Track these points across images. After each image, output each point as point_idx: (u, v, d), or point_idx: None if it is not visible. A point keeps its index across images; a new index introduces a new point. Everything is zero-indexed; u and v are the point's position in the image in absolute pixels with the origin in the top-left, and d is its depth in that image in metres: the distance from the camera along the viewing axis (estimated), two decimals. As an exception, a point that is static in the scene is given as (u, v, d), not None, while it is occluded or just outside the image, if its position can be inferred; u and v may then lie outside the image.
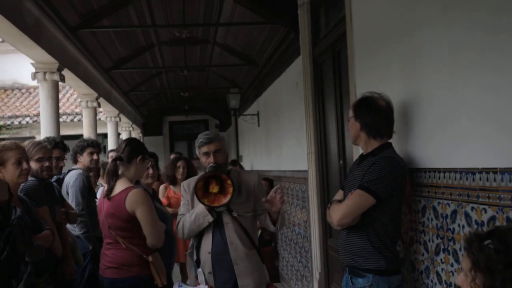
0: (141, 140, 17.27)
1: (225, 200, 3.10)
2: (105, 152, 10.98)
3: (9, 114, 14.78)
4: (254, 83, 10.71)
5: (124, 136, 14.49)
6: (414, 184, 2.86)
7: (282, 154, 7.97)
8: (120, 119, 12.42)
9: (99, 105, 9.71)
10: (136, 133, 16.39)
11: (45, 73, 6.57)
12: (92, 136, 8.63)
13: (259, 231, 7.46)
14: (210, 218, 3.19)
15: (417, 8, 2.78)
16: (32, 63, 6.61)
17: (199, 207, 3.21)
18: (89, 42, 7.77)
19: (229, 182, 3.07)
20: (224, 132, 18.06)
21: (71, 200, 4.35)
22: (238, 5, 6.97)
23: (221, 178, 3.11)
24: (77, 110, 13.61)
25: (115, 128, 12.14)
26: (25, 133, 14.12)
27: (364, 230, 2.66)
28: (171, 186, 6.00)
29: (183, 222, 3.28)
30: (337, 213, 2.71)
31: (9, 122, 14.39)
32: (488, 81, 2.10)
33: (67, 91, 14.01)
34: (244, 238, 3.24)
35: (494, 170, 2.05)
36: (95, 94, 9.23)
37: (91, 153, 4.72)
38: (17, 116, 14.44)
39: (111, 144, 11.68)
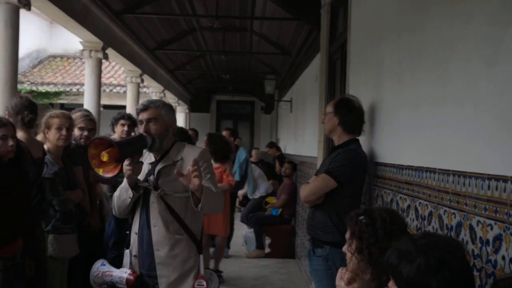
0: (188, 116, 18.22)
1: (115, 171, 2.57)
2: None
3: (69, 81, 16.01)
4: (290, 71, 11.29)
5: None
6: (373, 175, 3.37)
7: (304, 140, 8.57)
8: (164, 95, 13.34)
9: (142, 81, 10.61)
10: (183, 109, 17.31)
11: (90, 51, 7.47)
12: (134, 109, 9.58)
13: (279, 210, 8.08)
14: (130, 194, 2.73)
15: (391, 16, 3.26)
16: (80, 41, 7.52)
17: (124, 181, 2.77)
18: (133, 25, 8.63)
19: (117, 150, 2.52)
20: (268, 114, 18.69)
21: None
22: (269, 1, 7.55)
23: (108, 145, 2.58)
24: (122, 82, 14.63)
25: (160, 102, 13.09)
26: (81, 100, 15.30)
27: (326, 208, 3.17)
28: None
29: (113, 197, 2.89)
30: (305, 191, 3.26)
31: (68, 89, 15.61)
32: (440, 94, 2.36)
33: (116, 64, 14.98)
34: (170, 221, 2.76)
35: (432, 170, 2.39)
36: (139, 71, 10.12)
37: (123, 125, 5.15)
38: (75, 84, 15.64)
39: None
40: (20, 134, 3.34)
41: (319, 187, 3.18)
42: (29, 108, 3.66)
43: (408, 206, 2.69)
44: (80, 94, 15.46)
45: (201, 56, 12.72)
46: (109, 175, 2.58)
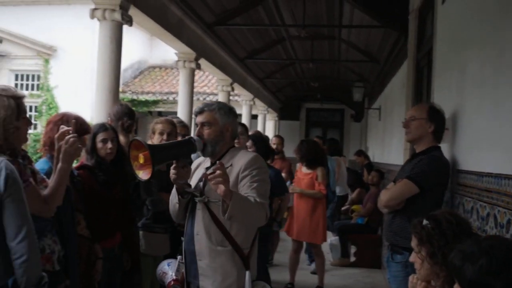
0: (277, 123, 18.52)
1: (149, 174, 2.40)
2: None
3: (166, 90, 16.93)
4: (378, 79, 11.18)
5: (260, 118, 15.84)
6: (455, 183, 3.35)
7: (391, 148, 8.48)
8: (254, 103, 13.72)
9: (232, 89, 11.02)
10: (272, 117, 17.65)
11: (184, 61, 7.94)
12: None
13: (365, 219, 8.04)
14: (177, 199, 2.65)
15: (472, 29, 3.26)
16: (175, 53, 8.03)
17: (174, 189, 2.67)
18: (225, 36, 9.04)
19: (148, 154, 2.35)
20: (358, 122, 18.52)
21: None
22: (356, 9, 7.60)
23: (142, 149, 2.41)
24: (215, 91, 15.22)
25: (249, 110, 13.50)
26: (177, 108, 16.14)
27: (407, 214, 3.14)
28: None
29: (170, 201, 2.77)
30: (385, 196, 3.28)
31: (165, 98, 16.52)
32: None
33: (209, 73, 15.62)
34: (213, 231, 2.57)
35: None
36: (230, 80, 10.55)
37: None
38: (172, 93, 16.50)
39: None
40: (120, 138, 3.60)
41: (400, 192, 3.19)
42: (128, 114, 4.02)
43: (488, 214, 2.67)
44: (176, 102, 16.25)
45: (290, 64, 12.95)
46: (145, 178, 2.40)
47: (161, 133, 3.91)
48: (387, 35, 7.96)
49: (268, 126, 16.77)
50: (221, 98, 10.74)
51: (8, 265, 2.05)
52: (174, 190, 2.67)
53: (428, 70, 5.44)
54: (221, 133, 2.64)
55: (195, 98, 9.50)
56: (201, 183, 2.66)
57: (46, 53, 15.35)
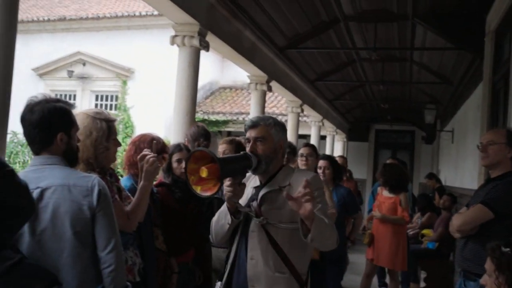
0: (345, 145, 18.40)
1: (214, 190, 2.21)
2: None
3: (236, 110, 17.31)
4: (451, 101, 10.93)
5: (328, 139, 15.84)
6: None
7: (464, 172, 8.26)
8: (323, 124, 13.76)
9: (302, 111, 11.14)
10: (341, 138, 17.57)
11: (256, 84, 8.17)
12: (294, 137, 10.15)
13: (436, 244, 7.84)
14: (229, 219, 2.40)
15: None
16: (248, 75, 8.28)
17: (224, 205, 2.46)
18: (296, 59, 9.22)
19: (218, 165, 2.16)
20: (429, 144, 18.05)
21: None
22: (429, 31, 7.55)
23: (210, 160, 2.21)
24: (284, 112, 15.39)
25: (318, 131, 13.55)
26: (246, 128, 16.46)
27: (480, 239, 3.08)
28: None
29: (212, 222, 2.55)
30: (458, 221, 3.24)
31: (235, 118, 16.89)
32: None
33: (278, 94, 15.84)
34: (271, 255, 2.35)
35: None
36: (300, 101, 10.69)
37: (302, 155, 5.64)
38: (241, 113, 16.86)
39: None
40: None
41: (474, 217, 3.14)
42: (204, 135, 4.22)
43: None
44: (245, 122, 16.65)
45: (360, 86, 12.92)
46: (207, 194, 2.22)
47: (223, 153, 4.04)
48: (461, 56, 7.83)
49: (336, 147, 16.71)
50: (290, 119, 10.88)
51: (98, 274, 2.24)
52: (223, 209, 2.45)
53: (504, 93, 5.32)
54: (275, 150, 2.45)
55: (265, 119, 9.69)
56: (254, 203, 2.44)
57: (124, 74, 16.20)
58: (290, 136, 10.30)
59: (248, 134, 2.45)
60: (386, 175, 5.87)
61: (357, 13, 7.51)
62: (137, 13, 15.89)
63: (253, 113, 8.40)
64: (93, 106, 16.71)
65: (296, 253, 2.38)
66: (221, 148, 4.06)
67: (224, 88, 19.22)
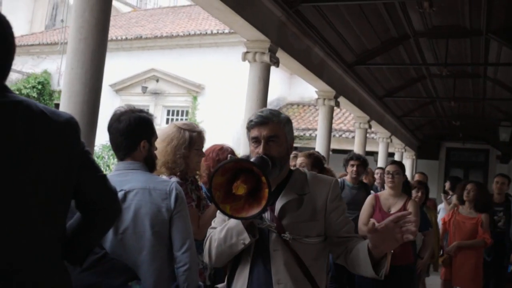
0: (414, 162, 17.96)
1: (257, 209, 1.77)
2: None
3: (303, 126, 17.41)
4: (530, 118, 10.49)
5: (396, 156, 15.54)
6: None
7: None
8: (391, 141, 13.55)
9: (370, 127, 11.06)
10: (410, 155, 17.19)
11: (324, 99, 8.25)
12: (361, 153, 10.09)
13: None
14: (246, 238, 1.92)
15: None
16: (316, 91, 8.37)
17: (232, 219, 1.96)
18: (364, 75, 9.22)
19: (263, 179, 1.74)
20: (505, 164, 17.28)
21: None
22: (504, 46, 7.34)
23: (252, 172, 1.79)
24: (351, 128, 15.28)
25: (386, 148, 13.36)
26: (313, 144, 16.49)
27: None
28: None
29: (210, 239, 2.05)
30: None
31: (302, 134, 16.98)
32: None
33: (346, 110, 15.78)
34: (301, 278, 1.97)
35: None
36: (367, 117, 10.63)
37: (352, 165, 5.53)
38: (308, 129, 16.93)
39: (380, 162, 12.92)
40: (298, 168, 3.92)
41: None
42: None
43: None
44: (312, 138, 16.67)
45: (430, 102, 12.65)
46: (243, 214, 1.78)
47: (302, 166, 4.14)
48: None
49: (405, 164, 16.33)
50: (358, 135, 10.83)
51: (173, 272, 2.39)
52: (232, 225, 1.95)
53: None
54: (287, 152, 2.05)
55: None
56: (267, 215, 1.99)
57: (195, 90, 16.75)
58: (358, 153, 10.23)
59: (256, 133, 1.98)
60: (477, 193, 5.58)
61: (427, 29, 7.45)
62: (208, 32, 16.44)
63: (320, 128, 8.46)
64: (164, 121, 17.41)
65: (318, 270, 2.03)
66: (298, 161, 4.15)
67: (292, 104, 19.38)
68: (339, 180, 5.52)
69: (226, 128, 15.08)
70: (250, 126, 2.01)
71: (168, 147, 2.78)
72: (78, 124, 1.64)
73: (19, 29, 21.65)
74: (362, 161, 5.55)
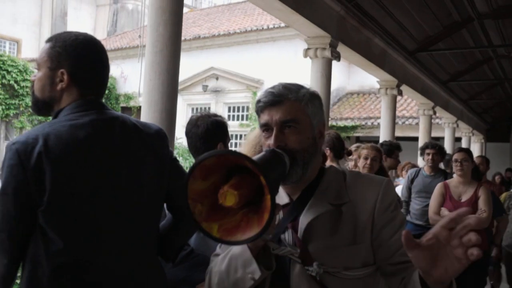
0: (483, 146, 17.38)
1: (257, 228, 1.09)
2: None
3: (364, 115, 17.25)
4: None
5: (464, 141, 15.12)
6: None
7: None
8: (457, 125, 13.21)
9: (434, 113, 10.85)
10: (478, 139, 16.67)
11: (386, 89, 8.21)
12: (426, 140, 9.93)
13: None
14: (256, 271, 1.28)
15: None
16: (377, 81, 8.34)
17: (240, 247, 1.34)
18: (426, 61, 9.06)
19: (262, 180, 1.06)
20: None
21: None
22: None
23: (250, 172, 1.11)
24: (414, 114, 14.99)
25: (452, 133, 13.04)
26: (376, 133, 16.31)
27: None
28: None
29: (210, 272, 1.44)
30: None
31: (363, 123, 16.84)
32: None
33: (408, 97, 15.51)
34: None
35: None
36: (431, 104, 10.44)
37: (428, 154, 5.39)
38: (370, 118, 16.76)
39: (447, 147, 12.64)
40: (332, 165, 4.01)
41: None
42: (339, 141, 4.41)
43: None
44: (374, 127, 16.50)
45: (498, 84, 12.21)
46: (238, 237, 1.11)
47: (366, 158, 4.09)
48: None
49: (473, 148, 15.88)
50: (422, 122, 10.67)
51: None
52: (237, 252, 1.32)
53: None
54: (315, 142, 1.39)
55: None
56: (287, 235, 1.36)
57: (254, 86, 16.98)
58: (422, 140, 10.10)
59: (266, 117, 1.36)
60: None
61: (492, 10, 7.23)
62: (265, 27, 16.61)
63: (383, 118, 8.42)
64: (226, 118, 17.76)
65: None
66: (364, 154, 4.11)
67: (352, 93, 19.23)
68: (413, 169, 5.50)
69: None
70: (259, 108, 1.39)
71: (252, 150, 2.91)
72: (166, 135, 1.80)
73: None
74: (438, 149, 5.46)
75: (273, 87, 1.40)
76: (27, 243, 1.59)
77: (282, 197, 1.42)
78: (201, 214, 1.12)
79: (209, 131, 2.53)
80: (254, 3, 5.34)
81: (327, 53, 5.75)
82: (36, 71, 1.77)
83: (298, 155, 1.34)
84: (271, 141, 1.35)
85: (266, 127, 1.38)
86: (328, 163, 3.88)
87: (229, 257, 1.35)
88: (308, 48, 5.86)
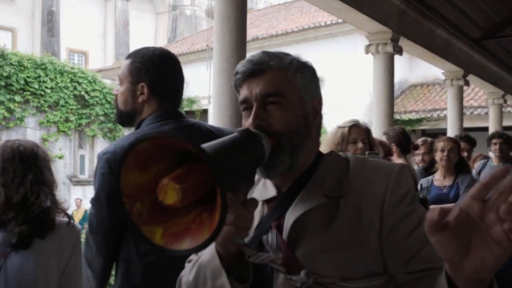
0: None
1: (207, 234, 0.80)
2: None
3: (429, 107, 16.80)
4: None
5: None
6: None
7: None
8: (531, 113, 12.66)
9: (505, 101, 10.47)
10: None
11: (451, 80, 8.03)
12: (498, 129, 9.61)
13: None
14: (226, 286, 0.99)
15: None
16: (442, 72, 8.17)
17: (209, 251, 1.04)
18: (494, 49, 8.77)
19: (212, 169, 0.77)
20: None
21: None
22: None
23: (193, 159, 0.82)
24: (483, 104, 14.45)
25: (526, 121, 12.52)
26: (443, 125, 15.84)
27: None
28: None
29: (179, 281, 1.16)
30: None
31: (429, 115, 16.41)
32: None
33: (475, 86, 14.98)
34: None
35: None
36: (501, 92, 10.07)
37: (495, 144, 5.24)
38: (435, 110, 16.31)
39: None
40: (399, 160, 3.82)
41: None
42: (404, 136, 4.39)
43: None
44: (440, 119, 16.05)
45: None
46: (185, 244, 0.83)
47: (442, 150, 4.00)
48: None
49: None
50: (492, 111, 10.32)
51: None
52: (207, 260, 1.05)
53: None
54: (305, 121, 1.12)
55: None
56: (269, 237, 1.10)
57: (315, 83, 16.96)
58: (493, 130, 9.76)
59: (245, 91, 1.11)
60: None
61: None
62: (322, 23, 16.56)
63: (450, 110, 8.24)
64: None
65: None
66: (440, 146, 4.02)
67: (415, 85, 18.79)
68: (482, 161, 5.37)
69: (349, 118, 15.08)
70: (237, 82, 1.13)
71: (324, 146, 2.97)
72: None
73: (146, 46, 23.49)
74: (506, 139, 5.32)
75: (253, 55, 1.13)
76: (120, 244, 1.77)
77: (269, 190, 1.16)
78: (141, 215, 0.86)
79: None
80: (312, 3, 5.42)
81: (389, 48, 5.73)
82: (118, 86, 1.95)
83: (285, 138, 1.07)
84: (250, 121, 1.07)
85: (245, 105, 1.11)
86: (395, 159, 3.89)
87: (197, 265, 1.07)
88: (369, 44, 5.87)
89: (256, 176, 1.07)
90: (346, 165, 1.13)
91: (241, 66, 1.12)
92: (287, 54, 1.15)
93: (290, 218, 1.06)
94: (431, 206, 0.87)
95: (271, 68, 1.10)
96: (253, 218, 1.00)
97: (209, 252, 1.03)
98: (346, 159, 1.15)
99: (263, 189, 1.17)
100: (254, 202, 0.97)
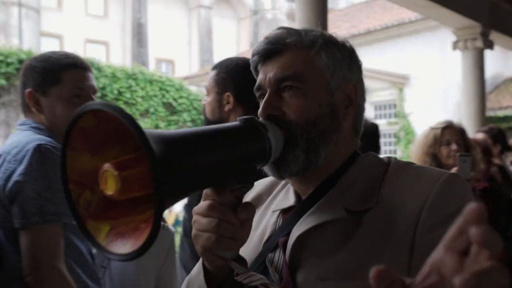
0: None
1: (141, 236, 0.65)
2: None
3: (526, 103, 15.77)
4: None
5: None
6: None
7: None
8: None
9: None
10: None
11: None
12: None
13: None
14: None
15: None
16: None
17: (197, 267, 0.91)
18: None
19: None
20: None
21: None
22: None
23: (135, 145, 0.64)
24: None
25: None
26: (541, 120, 14.79)
27: None
28: None
29: None
30: None
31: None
32: None
33: None
34: None
35: None
36: None
37: None
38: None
39: None
40: (496, 161, 3.69)
41: None
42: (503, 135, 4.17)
43: None
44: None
45: None
46: (122, 248, 0.67)
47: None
48: None
49: None
50: None
51: None
52: (193, 274, 0.93)
53: None
54: (332, 111, 0.93)
55: None
56: (276, 258, 0.92)
57: (399, 82, 16.50)
58: None
59: (261, 75, 0.95)
60: None
61: None
62: (406, 20, 16.07)
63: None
64: (372, 117, 17.53)
65: None
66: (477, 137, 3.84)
67: (511, 79, 17.71)
68: None
69: (437, 116, 14.53)
70: (254, 65, 0.98)
71: (423, 156, 2.88)
72: None
73: (230, 52, 24.09)
74: None
75: (270, 32, 0.96)
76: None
77: (288, 198, 0.98)
78: (89, 207, 0.72)
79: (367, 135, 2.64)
80: (395, 3, 5.30)
81: (479, 43, 5.47)
82: (205, 96, 2.04)
83: (299, 130, 0.89)
84: (264, 110, 0.91)
85: (260, 92, 0.94)
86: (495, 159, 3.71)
87: (187, 279, 0.95)
88: (457, 41, 5.64)
89: (280, 184, 0.98)
90: (384, 171, 0.90)
91: (258, 46, 0.94)
92: (311, 30, 0.95)
93: (295, 233, 0.88)
94: None
95: (289, 46, 0.92)
96: (248, 228, 0.81)
97: (198, 264, 0.90)
98: (387, 164, 0.92)
99: (284, 196, 0.99)
100: (248, 207, 0.80)
